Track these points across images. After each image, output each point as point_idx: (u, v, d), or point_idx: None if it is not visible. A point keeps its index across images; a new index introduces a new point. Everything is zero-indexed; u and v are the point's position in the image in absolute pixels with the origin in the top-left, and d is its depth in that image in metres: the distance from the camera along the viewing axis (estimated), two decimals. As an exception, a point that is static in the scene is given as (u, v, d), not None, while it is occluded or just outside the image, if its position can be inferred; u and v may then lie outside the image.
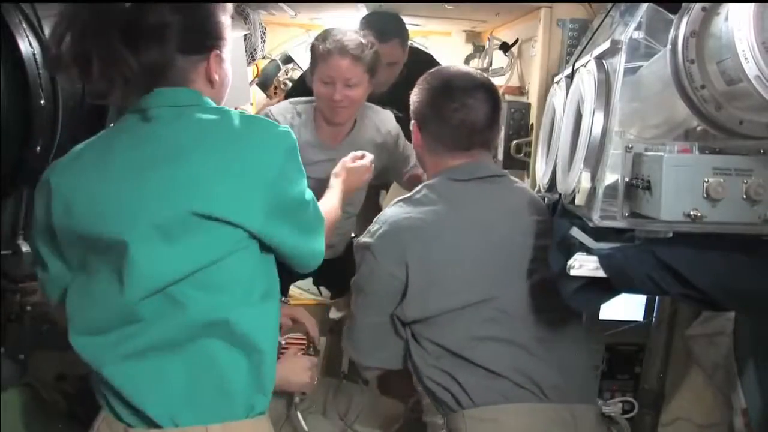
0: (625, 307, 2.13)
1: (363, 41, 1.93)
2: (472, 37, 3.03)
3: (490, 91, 1.61)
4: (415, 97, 1.66)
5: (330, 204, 1.61)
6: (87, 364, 1.15)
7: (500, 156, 2.16)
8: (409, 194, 1.61)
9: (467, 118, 1.56)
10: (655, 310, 2.17)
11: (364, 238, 1.56)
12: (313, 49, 1.96)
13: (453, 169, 1.60)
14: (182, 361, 1.13)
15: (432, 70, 1.72)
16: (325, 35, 1.94)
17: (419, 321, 1.51)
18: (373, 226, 1.57)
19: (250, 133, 1.14)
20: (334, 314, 2.21)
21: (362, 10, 2.46)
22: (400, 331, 1.55)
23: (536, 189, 1.86)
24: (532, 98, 2.18)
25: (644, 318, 2.18)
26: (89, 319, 1.15)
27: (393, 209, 1.59)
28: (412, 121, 1.68)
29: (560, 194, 1.54)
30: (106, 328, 1.13)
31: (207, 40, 1.18)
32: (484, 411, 1.44)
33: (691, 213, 1.11)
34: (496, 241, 1.53)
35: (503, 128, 2.19)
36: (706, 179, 1.11)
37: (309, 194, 1.24)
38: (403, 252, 1.50)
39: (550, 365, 1.47)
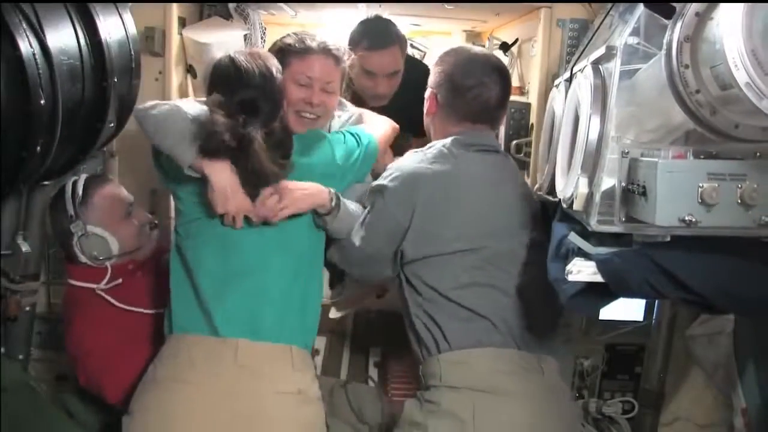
0: (626, 308, 2.14)
1: (342, 47, 1.77)
2: (472, 37, 3.03)
3: (504, 75, 1.78)
4: (437, 68, 1.80)
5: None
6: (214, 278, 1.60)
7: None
8: (423, 149, 1.75)
9: (481, 95, 1.73)
10: (655, 310, 2.17)
11: (379, 182, 1.72)
12: (287, 47, 1.73)
13: (463, 134, 1.75)
14: (300, 292, 1.64)
15: (456, 46, 1.86)
16: (299, 35, 1.75)
17: (416, 261, 1.66)
18: (388, 172, 1.72)
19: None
20: (334, 314, 2.20)
21: (362, 10, 2.46)
22: (395, 265, 1.71)
23: (536, 187, 1.86)
24: (532, 98, 2.18)
25: (644, 319, 2.18)
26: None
27: (408, 160, 1.74)
28: (430, 90, 1.81)
29: (560, 198, 1.55)
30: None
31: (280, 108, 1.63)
32: (459, 354, 1.58)
33: (686, 218, 1.11)
34: (492, 201, 1.70)
35: (503, 128, 2.19)
36: (700, 184, 1.11)
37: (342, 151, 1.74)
38: (412, 196, 1.65)
39: (524, 314, 1.62)
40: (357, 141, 1.79)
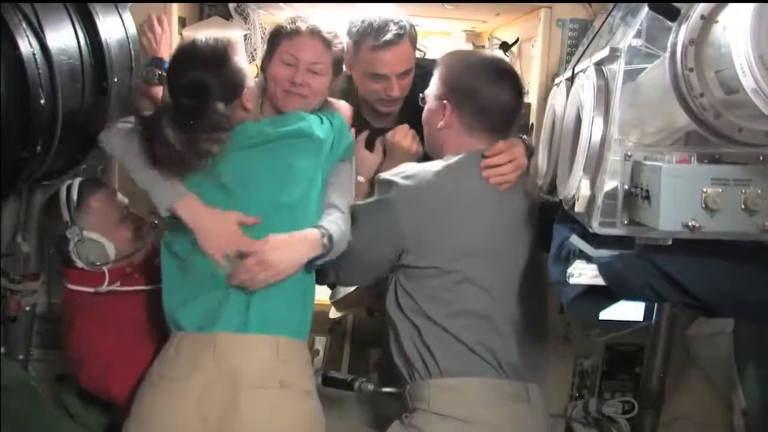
0: (626, 308, 2.13)
1: (335, 32, 1.77)
2: (472, 37, 3.03)
3: (515, 78, 1.73)
4: (444, 74, 1.71)
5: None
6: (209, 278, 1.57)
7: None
8: (443, 161, 1.67)
9: (498, 98, 1.67)
10: (655, 310, 2.17)
11: (394, 178, 1.63)
12: (279, 29, 1.75)
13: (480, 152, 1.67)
14: (291, 281, 1.56)
15: (456, 51, 1.81)
16: (293, 18, 1.76)
17: (411, 268, 1.61)
18: (400, 173, 1.64)
19: None
20: (334, 314, 2.21)
21: (362, 10, 2.44)
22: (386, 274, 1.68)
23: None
24: (533, 98, 2.17)
25: (644, 319, 2.18)
26: None
27: (424, 169, 1.65)
28: (438, 101, 1.71)
29: (561, 199, 1.55)
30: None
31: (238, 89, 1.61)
32: (449, 381, 1.57)
33: (690, 224, 1.10)
34: (492, 222, 1.64)
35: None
36: (704, 189, 1.10)
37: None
38: (421, 197, 1.60)
39: (513, 344, 1.61)
40: (328, 119, 1.73)
